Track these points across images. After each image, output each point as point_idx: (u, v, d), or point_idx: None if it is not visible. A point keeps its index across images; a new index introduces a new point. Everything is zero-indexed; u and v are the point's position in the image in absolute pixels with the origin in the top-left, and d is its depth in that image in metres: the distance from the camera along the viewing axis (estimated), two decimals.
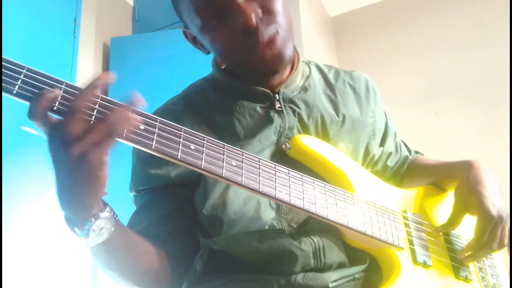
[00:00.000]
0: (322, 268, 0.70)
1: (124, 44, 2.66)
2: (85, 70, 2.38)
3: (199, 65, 2.55)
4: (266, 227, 0.74)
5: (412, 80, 2.76)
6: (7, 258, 1.72)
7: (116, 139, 0.51)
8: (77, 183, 0.52)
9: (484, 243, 0.77)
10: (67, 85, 0.53)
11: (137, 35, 2.89)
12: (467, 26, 2.68)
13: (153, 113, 0.86)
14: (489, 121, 2.46)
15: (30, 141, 2.00)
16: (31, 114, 0.50)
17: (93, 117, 0.52)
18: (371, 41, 3.02)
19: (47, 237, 1.97)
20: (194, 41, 0.82)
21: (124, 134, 0.53)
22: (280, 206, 0.76)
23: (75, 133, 0.50)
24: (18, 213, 1.86)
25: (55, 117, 0.52)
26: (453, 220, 0.82)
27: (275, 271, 0.71)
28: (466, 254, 0.79)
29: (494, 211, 0.78)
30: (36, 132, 2.03)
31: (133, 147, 0.73)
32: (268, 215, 0.75)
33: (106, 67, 2.62)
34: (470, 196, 0.81)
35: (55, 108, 0.51)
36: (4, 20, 1.88)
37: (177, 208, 0.79)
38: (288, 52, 0.76)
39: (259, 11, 0.71)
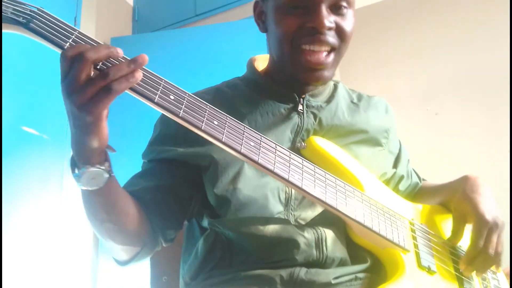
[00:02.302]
0: (324, 263, 0.71)
1: (124, 44, 2.65)
2: None
3: (199, 65, 2.55)
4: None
5: (412, 80, 2.75)
6: (7, 258, 1.71)
7: (116, 96, 0.55)
8: (80, 129, 0.58)
9: (480, 249, 0.76)
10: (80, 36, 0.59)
11: (137, 35, 2.89)
12: (467, 26, 2.68)
13: None
14: (489, 121, 2.46)
15: (30, 141, 2.00)
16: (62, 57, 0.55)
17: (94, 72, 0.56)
18: (371, 41, 3.02)
19: (47, 237, 1.97)
20: (259, 15, 0.89)
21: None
22: (288, 201, 0.78)
23: (78, 84, 0.54)
24: (18, 213, 1.86)
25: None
26: (456, 232, 0.83)
27: (277, 261, 0.71)
28: (465, 264, 0.78)
29: (488, 216, 0.78)
30: (36, 132, 2.03)
31: (157, 121, 0.86)
32: (276, 208, 0.77)
33: None
34: (465, 204, 0.82)
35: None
36: None
37: (173, 185, 0.82)
38: (330, 75, 0.81)
39: (333, 25, 0.78)
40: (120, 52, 0.57)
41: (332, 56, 0.79)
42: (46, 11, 0.58)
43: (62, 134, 2.17)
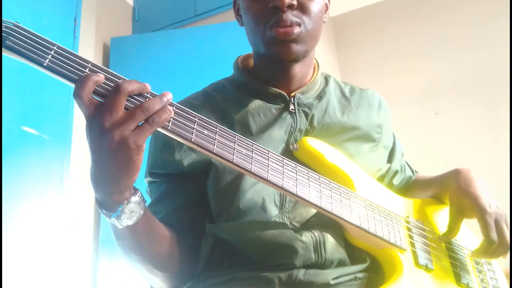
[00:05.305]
0: (323, 265, 0.71)
1: (124, 44, 2.65)
2: None
3: (198, 65, 2.55)
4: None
5: (412, 80, 2.76)
6: (7, 258, 1.71)
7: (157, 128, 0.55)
8: (115, 166, 0.56)
9: (495, 241, 0.77)
10: (106, 71, 0.58)
11: (137, 35, 2.89)
12: (467, 26, 2.68)
13: None
14: (489, 121, 2.46)
15: (30, 141, 2.00)
16: (77, 94, 0.53)
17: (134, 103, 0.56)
18: (371, 41, 3.02)
19: (47, 237, 1.97)
20: (237, 12, 0.90)
21: (164, 125, 0.57)
22: (283, 204, 0.77)
23: (117, 117, 0.53)
24: (18, 213, 1.86)
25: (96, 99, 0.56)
26: (452, 227, 0.82)
27: (276, 265, 0.71)
28: (481, 255, 0.79)
29: (490, 208, 0.78)
30: (36, 132, 2.03)
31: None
32: (273, 211, 0.76)
33: (106, 67, 2.60)
34: (463, 199, 0.82)
35: (98, 90, 0.55)
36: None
37: (192, 200, 0.81)
38: (301, 49, 0.80)
39: (295, 2, 0.76)
40: (148, 87, 0.58)
41: (298, 29, 0.77)
42: (23, 26, 0.54)
43: (62, 134, 2.17)
